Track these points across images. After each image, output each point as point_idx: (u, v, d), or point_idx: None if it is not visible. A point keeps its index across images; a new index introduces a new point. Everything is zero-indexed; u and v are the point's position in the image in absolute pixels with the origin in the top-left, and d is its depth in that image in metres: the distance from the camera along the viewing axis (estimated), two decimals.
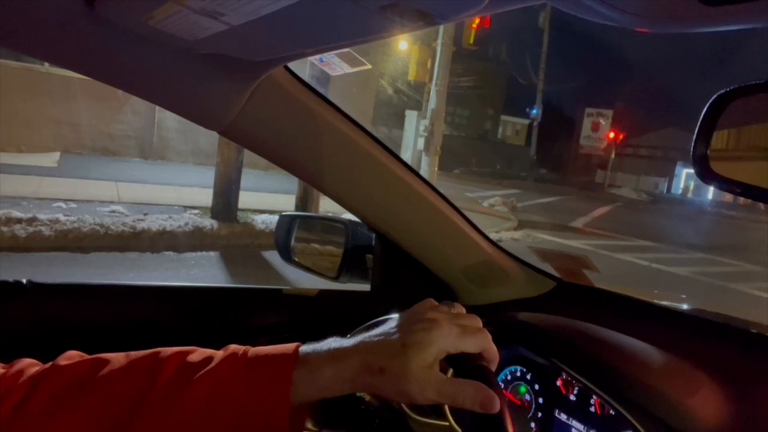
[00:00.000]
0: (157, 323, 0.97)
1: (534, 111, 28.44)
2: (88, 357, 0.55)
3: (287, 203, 7.20)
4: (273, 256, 5.69)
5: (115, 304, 0.96)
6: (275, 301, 1.09)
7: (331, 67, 0.85)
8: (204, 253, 5.66)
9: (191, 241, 5.77)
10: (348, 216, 1.05)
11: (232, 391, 0.51)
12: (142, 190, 7.88)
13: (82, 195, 6.87)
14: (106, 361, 0.54)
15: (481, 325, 0.56)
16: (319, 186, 0.91)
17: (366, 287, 1.11)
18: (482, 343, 0.54)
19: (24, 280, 0.88)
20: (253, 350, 0.54)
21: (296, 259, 1.22)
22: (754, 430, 0.66)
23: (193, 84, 0.71)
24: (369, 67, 0.83)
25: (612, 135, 29.52)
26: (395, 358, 0.51)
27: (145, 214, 6.13)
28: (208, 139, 9.90)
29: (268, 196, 8.22)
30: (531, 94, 28.49)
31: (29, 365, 0.55)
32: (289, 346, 0.54)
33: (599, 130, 29.60)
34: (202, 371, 0.52)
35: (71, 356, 0.55)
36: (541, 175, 30.16)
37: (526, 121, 33.82)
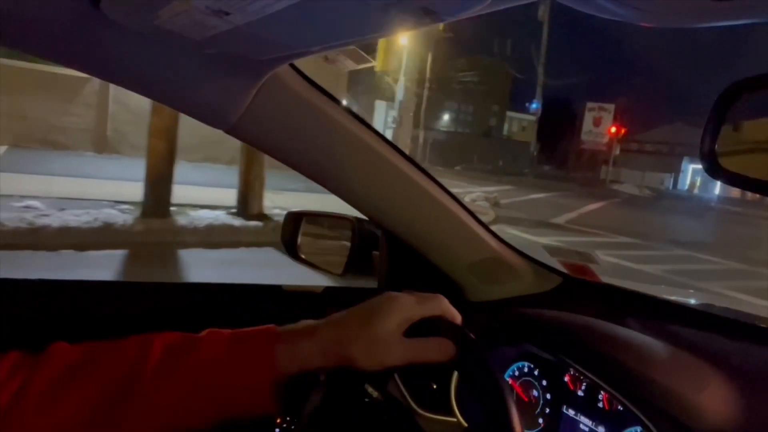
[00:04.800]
0: (155, 321, 0.97)
1: (533, 105, 28.15)
2: (78, 345, 0.58)
3: (232, 197, 6.84)
4: (189, 255, 5.39)
5: (113, 301, 0.96)
6: (276, 299, 1.10)
7: (336, 64, 0.85)
8: (111, 251, 5.17)
9: (98, 238, 5.36)
10: (354, 213, 1.05)
11: (218, 369, 0.55)
12: (76, 184, 7.43)
13: (3, 190, 6.31)
14: (95, 348, 0.58)
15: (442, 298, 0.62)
16: (325, 183, 0.91)
17: (373, 284, 1.11)
18: (440, 305, 0.60)
19: None
20: (233, 331, 0.59)
21: (302, 256, 1.22)
22: (763, 425, 0.66)
23: (198, 83, 0.71)
24: (374, 63, 0.83)
25: (613, 130, 29.00)
26: (361, 327, 0.57)
27: (62, 210, 5.69)
28: None
29: (216, 191, 7.77)
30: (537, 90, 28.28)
31: (19, 356, 0.56)
32: (266, 327, 0.59)
33: (601, 125, 29.19)
34: (189, 353, 0.56)
35: (61, 346, 0.58)
36: (544, 171, 29.97)
37: (533, 117, 33.60)
